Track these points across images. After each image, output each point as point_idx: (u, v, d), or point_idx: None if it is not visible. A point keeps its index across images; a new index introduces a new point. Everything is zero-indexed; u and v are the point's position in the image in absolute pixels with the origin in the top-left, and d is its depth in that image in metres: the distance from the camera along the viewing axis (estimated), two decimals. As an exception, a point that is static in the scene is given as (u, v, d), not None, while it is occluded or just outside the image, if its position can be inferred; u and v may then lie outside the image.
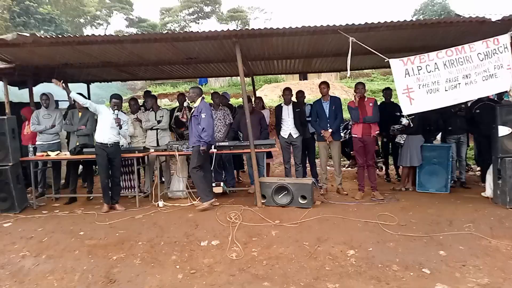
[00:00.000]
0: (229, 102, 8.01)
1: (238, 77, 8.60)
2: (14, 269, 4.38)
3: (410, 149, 6.20)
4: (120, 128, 5.70)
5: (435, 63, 5.00)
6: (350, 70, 5.04)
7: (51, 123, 6.52)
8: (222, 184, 6.04)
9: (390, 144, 7.07)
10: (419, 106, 5.04)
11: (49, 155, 6.13)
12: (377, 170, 7.18)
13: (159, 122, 6.66)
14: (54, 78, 5.66)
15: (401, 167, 6.76)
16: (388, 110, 6.59)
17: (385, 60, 5.04)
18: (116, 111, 5.67)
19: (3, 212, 5.64)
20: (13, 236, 4.97)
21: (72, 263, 4.37)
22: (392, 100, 6.98)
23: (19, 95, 9.77)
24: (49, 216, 5.61)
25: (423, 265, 3.95)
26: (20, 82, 8.34)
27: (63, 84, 5.65)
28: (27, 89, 8.15)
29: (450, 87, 4.96)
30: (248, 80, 9.86)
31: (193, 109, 5.61)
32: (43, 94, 6.65)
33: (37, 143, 6.56)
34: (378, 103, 6.21)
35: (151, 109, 6.86)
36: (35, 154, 6.25)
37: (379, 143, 7.40)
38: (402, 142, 6.27)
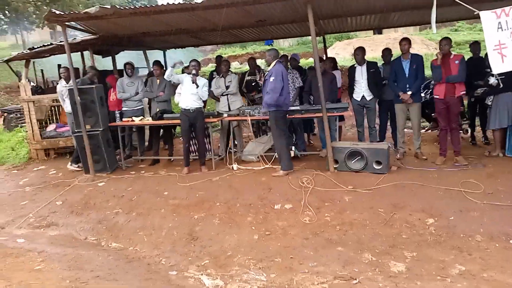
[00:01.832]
0: (299, 64, 7.83)
1: (308, 36, 8.35)
2: (109, 224, 4.94)
3: (499, 109, 5.58)
4: (197, 86, 5.92)
5: (534, 15, 4.37)
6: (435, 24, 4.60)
7: (135, 90, 6.95)
8: (293, 148, 6.07)
9: (478, 104, 6.46)
10: (511, 64, 4.51)
11: (134, 121, 6.60)
12: (462, 132, 6.65)
13: (227, 87, 6.76)
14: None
15: (488, 129, 6.18)
16: (477, 67, 5.97)
17: (475, 13, 4.51)
18: (193, 72, 5.91)
19: (97, 172, 6.27)
20: (106, 194, 5.54)
21: (158, 220, 4.80)
22: (481, 55, 6.31)
23: (102, 63, 10.53)
24: (136, 177, 6.13)
25: (510, 236, 3.71)
26: (104, 51, 8.96)
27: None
28: (110, 58, 8.76)
29: None
30: (319, 39, 9.51)
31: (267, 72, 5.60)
32: (127, 63, 7.06)
33: (123, 109, 7.08)
34: (466, 59, 5.65)
35: (220, 75, 6.97)
36: (121, 120, 6.78)
37: (465, 103, 6.81)
38: (490, 103, 5.69)
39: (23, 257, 3.93)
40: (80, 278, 3.47)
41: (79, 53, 8.88)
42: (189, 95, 5.94)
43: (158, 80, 6.78)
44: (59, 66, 10.81)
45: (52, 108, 8.25)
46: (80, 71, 7.88)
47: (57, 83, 8.48)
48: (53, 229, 4.95)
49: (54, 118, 8.28)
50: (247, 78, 7.40)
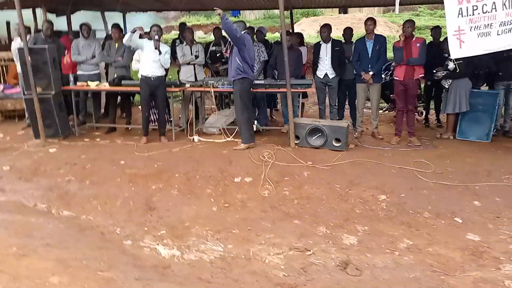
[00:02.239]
0: (265, 38, 7.72)
1: (275, 10, 8.22)
2: (61, 192, 4.73)
3: (457, 95, 5.80)
4: (160, 53, 5.68)
5: (493, 3, 4.54)
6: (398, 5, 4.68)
7: (91, 53, 6.57)
8: (255, 122, 6.06)
9: (434, 88, 6.72)
10: (468, 50, 4.70)
11: (89, 86, 6.28)
12: (417, 115, 6.92)
13: (196, 57, 6.56)
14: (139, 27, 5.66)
15: (443, 113, 6.46)
16: (436, 52, 6.17)
17: (439, -3, 4.62)
18: (156, 37, 5.65)
19: (48, 138, 5.94)
20: (58, 161, 5.28)
21: (114, 189, 4.66)
22: (440, 40, 6.52)
23: (56, 23, 9.85)
24: (90, 144, 5.89)
25: (455, 214, 3.94)
26: (58, 10, 8.36)
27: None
28: (65, 18, 8.19)
29: (504, 31, 4.56)
30: (286, 13, 9.40)
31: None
32: (83, 23, 6.62)
33: (77, 72, 6.69)
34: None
35: (185, 43, 6.73)
36: (75, 84, 6.41)
37: (422, 86, 7.07)
38: (447, 86, 5.92)
39: (-35, 223, 3.70)
40: (28, 245, 3.32)
41: (31, 10, 8.23)
42: (150, 62, 5.69)
43: (116, 44, 6.46)
44: (8, 23, 10.03)
45: (1, 68, 7.67)
46: (31, 30, 7.32)
47: (6, 42, 7.86)
48: (-1, 196, 4.68)
49: (2, 79, 7.71)
50: (212, 48, 7.22)
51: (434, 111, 7.08)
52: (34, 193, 4.68)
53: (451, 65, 5.72)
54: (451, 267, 3.17)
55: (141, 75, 5.77)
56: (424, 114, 7.23)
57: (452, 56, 4.94)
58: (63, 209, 4.42)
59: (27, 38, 5.92)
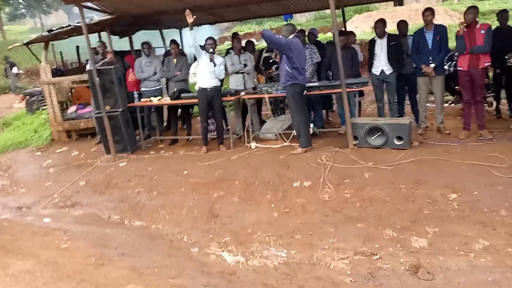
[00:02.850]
0: (317, 39, 7.65)
1: (326, 10, 8.10)
2: (132, 203, 5.04)
3: None
4: (215, 65, 5.86)
5: None
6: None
7: (153, 70, 6.95)
8: (311, 125, 6.00)
9: (504, 76, 6.20)
10: None
11: (152, 101, 6.63)
12: (486, 105, 6.42)
13: (245, 65, 6.67)
14: (187, 10, 5.57)
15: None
16: (504, 37, 5.69)
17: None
18: (211, 50, 5.84)
19: (117, 153, 6.37)
20: (128, 174, 5.64)
21: (179, 199, 4.87)
22: (509, 24, 6.01)
23: (120, 44, 10.57)
24: (156, 157, 6.21)
25: (537, 211, 3.60)
26: (121, 32, 8.97)
27: (192, 18, 5.59)
28: (127, 38, 8.77)
29: None
30: (338, 12, 9.24)
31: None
32: (145, 42, 7.03)
33: (141, 89, 7.11)
34: (493, 28, 5.39)
35: (233, 53, 6.87)
36: (140, 100, 6.82)
37: (490, 75, 6.55)
38: None
39: (49, 235, 4.08)
40: (105, 255, 3.59)
41: (97, 34, 8.93)
42: (206, 74, 5.89)
43: (175, 60, 6.76)
44: (77, 48, 10.95)
45: (72, 90, 8.37)
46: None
47: (77, 65, 8.54)
48: (77, 209, 5.10)
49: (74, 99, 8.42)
50: (265, 54, 7.27)
51: (506, 101, 6.51)
52: (108, 205, 5.04)
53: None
54: (536, 270, 2.90)
55: (198, 87, 5.99)
56: (494, 104, 6.68)
57: (524, 40, 4.53)
58: (135, 219, 4.71)
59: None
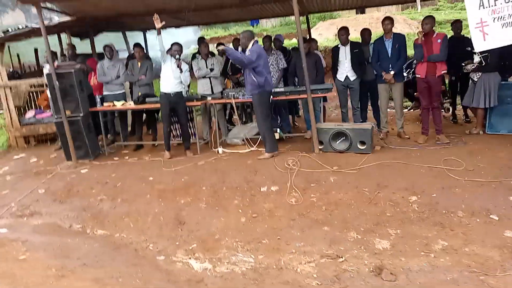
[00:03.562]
0: (283, 45, 7.75)
1: (291, 17, 8.24)
2: (94, 211, 4.88)
3: (486, 89, 5.59)
4: (181, 71, 5.79)
5: (516, -8, 4.40)
6: (416, 1, 4.60)
7: (116, 73, 6.77)
8: (278, 130, 6.06)
9: (459, 83, 6.55)
10: (493, 42, 4.54)
11: (115, 105, 6.46)
12: (443, 111, 6.74)
13: (211, 70, 6.65)
14: (155, 14, 5.41)
15: (470, 108, 6.26)
16: (458, 46, 6.01)
17: (458, -10, 4.52)
18: (177, 56, 5.76)
19: (79, 159, 6.15)
20: (90, 181, 5.45)
21: (144, 206, 4.76)
22: (462, 33, 6.36)
23: (81, 46, 10.25)
24: (120, 163, 6.05)
25: (491, 211, 3.81)
26: (82, 34, 8.70)
27: (160, 23, 5.43)
28: (88, 41, 8.50)
29: None
30: (302, 19, 9.42)
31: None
32: (107, 45, 6.84)
33: (104, 93, 6.91)
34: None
35: (200, 57, 6.83)
36: (102, 105, 6.63)
37: (446, 81, 6.89)
38: (476, 79, 5.71)
39: (6, 247, 3.88)
40: (66, 266, 3.45)
41: (56, 36, 8.60)
42: (171, 79, 5.79)
43: (139, 63, 6.63)
44: (35, 50, 10.51)
45: (31, 94, 8.02)
46: (58, 55, 7.64)
47: (35, 68, 8.19)
48: (36, 218, 4.86)
49: (32, 104, 8.06)
50: (232, 59, 7.29)
51: (461, 107, 6.87)
52: (69, 214, 4.85)
53: (476, 59, 5.56)
54: (490, 267, 3.07)
55: (161, 92, 5.88)
56: (451, 110, 7.04)
57: (476, 49, 4.78)
58: (97, 228, 4.56)
59: (54, 63, 6.18)
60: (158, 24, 5.40)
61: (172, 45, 5.87)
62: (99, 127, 6.62)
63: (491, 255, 3.22)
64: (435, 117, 5.70)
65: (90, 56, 8.02)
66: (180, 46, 5.91)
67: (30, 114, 7.79)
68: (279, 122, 6.68)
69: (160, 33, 5.54)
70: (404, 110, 6.53)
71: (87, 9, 6.38)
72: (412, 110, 7.83)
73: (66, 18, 6.85)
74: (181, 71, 5.77)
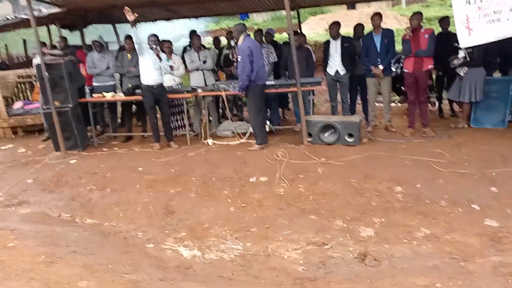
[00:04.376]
0: (274, 39, 7.80)
1: (282, 11, 8.28)
2: (84, 201, 4.89)
3: (472, 84, 5.72)
4: (160, 60, 5.82)
5: (502, -12, 4.50)
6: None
7: (106, 65, 6.76)
8: (268, 122, 6.12)
9: (445, 78, 6.67)
10: (478, 38, 4.64)
11: (105, 96, 6.45)
12: (430, 105, 6.87)
13: (204, 62, 6.68)
14: (126, 7, 5.33)
15: (455, 102, 6.40)
16: (445, 42, 6.12)
17: (444, -14, 4.60)
18: (155, 48, 5.76)
19: (68, 150, 6.14)
20: (79, 172, 5.46)
21: (134, 196, 4.79)
22: (450, 30, 6.47)
23: (71, 38, 10.15)
24: (109, 154, 6.05)
25: (472, 201, 3.92)
26: (71, 25, 8.63)
27: (132, 16, 5.37)
28: (78, 32, 8.45)
29: None
30: (293, 13, 9.46)
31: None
32: (95, 41, 6.82)
33: (93, 84, 6.89)
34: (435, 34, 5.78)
35: (193, 50, 6.85)
36: (92, 96, 6.61)
37: (433, 76, 7.01)
38: (462, 74, 5.82)
39: (-5, 235, 3.87)
40: (55, 253, 3.46)
41: (45, 27, 8.53)
42: (152, 71, 5.76)
43: (129, 55, 6.62)
44: (24, 41, 10.40)
45: (19, 85, 7.96)
46: (47, 46, 7.58)
47: (24, 59, 8.12)
48: (25, 207, 4.85)
49: (21, 95, 7.99)
50: (225, 52, 7.33)
51: (447, 101, 7.01)
52: (58, 203, 4.85)
53: (461, 54, 5.67)
54: (470, 254, 3.17)
55: (143, 84, 5.85)
56: (437, 104, 7.17)
57: (461, 45, 4.87)
58: (87, 217, 4.57)
59: (45, 52, 6.14)
60: (130, 17, 5.33)
61: (149, 36, 5.86)
62: (88, 118, 6.60)
63: (471, 242, 3.33)
64: (422, 111, 5.81)
65: (80, 48, 7.97)
66: (156, 36, 5.88)
67: (18, 105, 7.74)
68: (269, 114, 6.74)
69: (134, 26, 5.46)
70: (391, 104, 6.63)
71: (77, 0, 6.33)
72: (399, 104, 7.96)
73: (56, 10, 6.79)
74: (160, 60, 5.77)
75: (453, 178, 4.34)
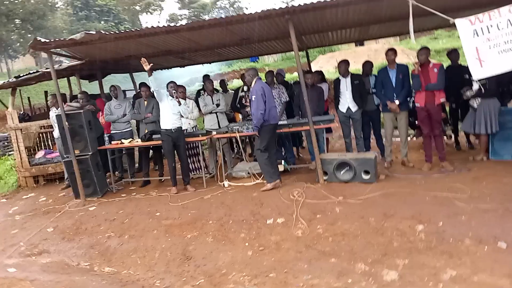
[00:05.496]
0: (285, 79, 7.97)
1: (291, 51, 8.50)
2: (102, 248, 4.89)
3: (487, 115, 5.66)
4: (179, 104, 6.06)
5: (508, 20, 4.53)
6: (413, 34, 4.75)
7: (122, 112, 6.99)
8: (282, 162, 6.13)
9: (459, 110, 6.64)
10: (490, 69, 4.64)
11: (123, 143, 6.62)
12: (446, 138, 6.79)
13: (217, 105, 6.86)
14: (143, 58, 5.65)
15: (473, 134, 6.31)
16: (456, 74, 6.15)
17: (450, 21, 4.67)
18: (174, 94, 5.98)
19: (87, 197, 6.24)
20: (98, 218, 5.51)
21: (152, 242, 4.78)
22: (460, 62, 6.51)
23: (89, 88, 10.57)
24: (127, 199, 6.12)
25: (498, 238, 3.76)
26: (90, 76, 9.02)
27: (149, 65, 5.66)
28: (97, 82, 8.80)
29: None
30: (302, 53, 9.71)
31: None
32: (112, 86, 7.11)
33: (111, 132, 7.09)
34: (445, 67, 5.81)
35: (206, 94, 7.05)
36: (110, 143, 6.79)
37: (447, 109, 6.98)
38: (476, 106, 5.78)
39: (15, 286, 3.88)
40: (74, 305, 3.44)
41: (66, 78, 8.92)
42: (170, 115, 5.97)
43: (145, 102, 6.84)
44: (45, 92, 10.85)
45: (40, 135, 8.23)
46: (67, 96, 7.90)
47: (45, 110, 8.43)
48: (44, 257, 4.88)
49: (42, 144, 8.25)
50: (241, 94, 7.49)
51: (464, 133, 6.93)
52: (77, 252, 4.87)
53: (475, 86, 5.65)
54: (500, 296, 3.02)
55: (162, 129, 6.03)
56: (453, 137, 7.09)
57: (474, 77, 4.86)
58: (105, 265, 4.56)
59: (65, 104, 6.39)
60: (146, 67, 5.63)
61: (168, 84, 6.10)
62: (107, 164, 6.74)
63: (500, 284, 3.18)
64: (438, 145, 5.75)
65: (98, 97, 8.28)
66: (174, 83, 6.14)
67: (40, 154, 7.97)
68: (283, 153, 6.77)
69: (151, 74, 5.74)
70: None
71: (95, 52, 6.66)
72: (415, 138, 7.89)
73: (76, 62, 7.14)
74: (180, 104, 5.97)
75: (476, 214, 4.21)
